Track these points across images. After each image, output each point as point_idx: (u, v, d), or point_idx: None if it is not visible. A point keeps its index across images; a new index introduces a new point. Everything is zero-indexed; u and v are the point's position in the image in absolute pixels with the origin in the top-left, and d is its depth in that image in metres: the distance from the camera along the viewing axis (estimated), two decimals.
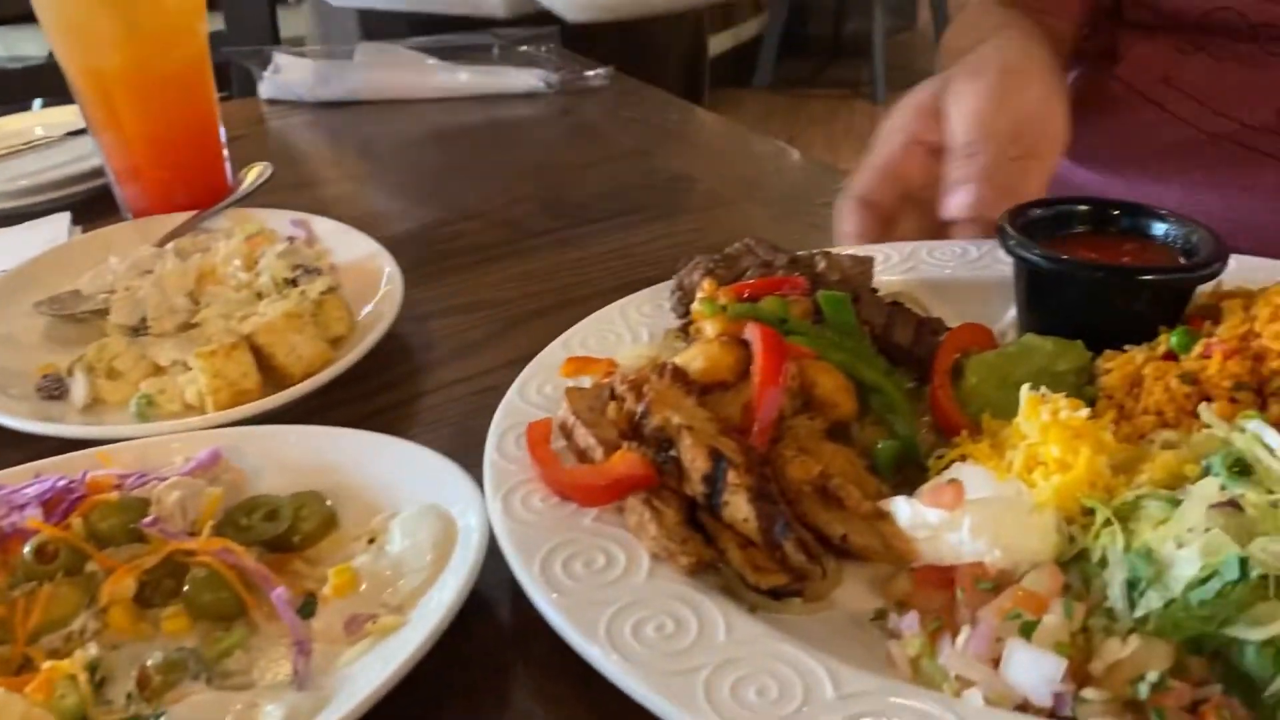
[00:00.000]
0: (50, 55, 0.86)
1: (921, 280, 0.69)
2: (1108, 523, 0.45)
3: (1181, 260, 0.61)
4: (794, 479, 0.50)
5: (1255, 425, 0.47)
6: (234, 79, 1.35)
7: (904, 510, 0.49)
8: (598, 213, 0.96)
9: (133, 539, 0.52)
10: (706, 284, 0.62)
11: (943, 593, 0.46)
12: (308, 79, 1.24)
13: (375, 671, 0.44)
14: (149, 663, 0.47)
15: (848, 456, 0.54)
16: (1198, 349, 0.54)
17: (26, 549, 0.50)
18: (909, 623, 0.45)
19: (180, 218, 0.89)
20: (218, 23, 1.33)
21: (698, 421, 0.50)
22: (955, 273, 0.69)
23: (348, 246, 0.83)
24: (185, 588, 0.50)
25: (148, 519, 0.52)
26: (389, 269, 0.77)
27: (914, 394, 0.59)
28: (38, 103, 1.79)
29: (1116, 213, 0.64)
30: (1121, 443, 0.51)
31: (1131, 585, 0.43)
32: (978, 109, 0.69)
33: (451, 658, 0.47)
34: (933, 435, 0.57)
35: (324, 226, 0.86)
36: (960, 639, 0.43)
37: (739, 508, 0.47)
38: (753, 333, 0.56)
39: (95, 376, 0.67)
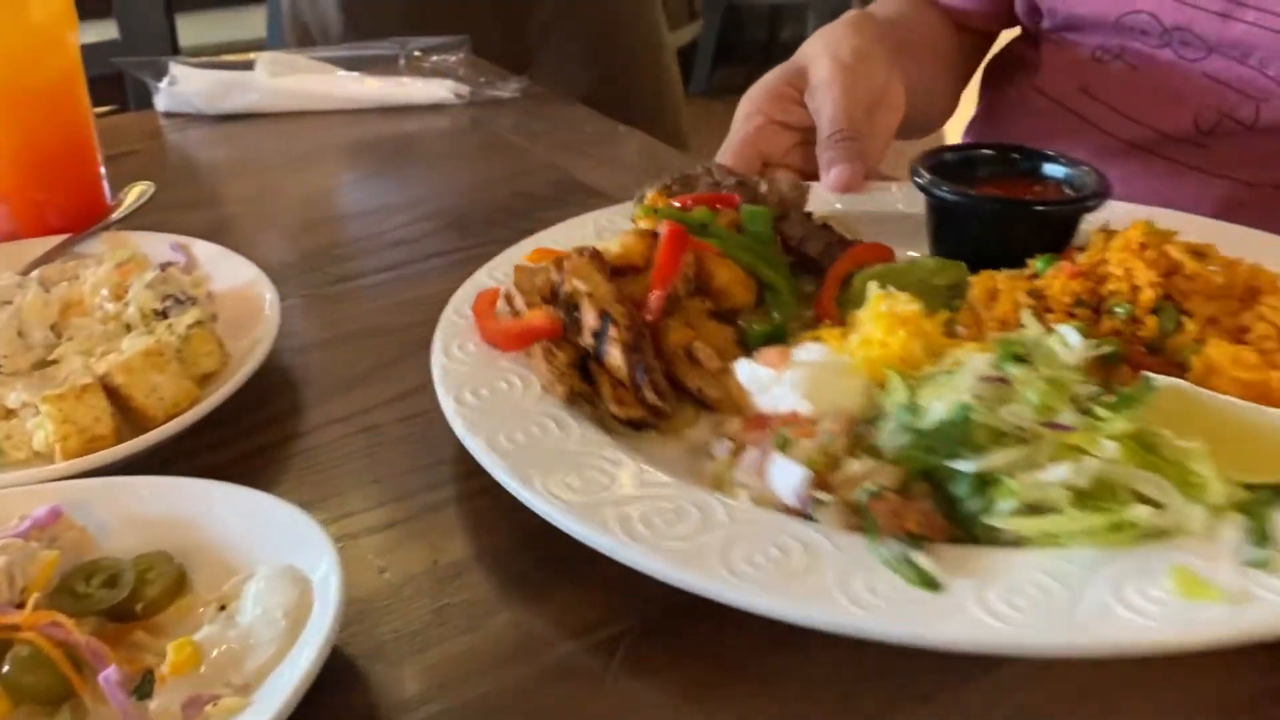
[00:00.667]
0: None
1: (862, 213, 0.79)
2: (898, 387, 0.55)
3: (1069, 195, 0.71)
4: (671, 343, 0.63)
5: (1064, 329, 0.56)
6: (129, 91, 1.28)
7: (744, 369, 0.61)
8: (505, 231, 0.92)
9: None
10: (651, 194, 0.75)
11: (761, 433, 0.56)
12: (205, 90, 1.18)
13: None
14: None
15: (725, 334, 0.66)
16: (1052, 271, 0.62)
17: None
18: (720, 448, 0.57)
19: (51, 242, 0.83)
20: (111, 31, 1.27)
21: (599, 291, 0.63)
22: (883, 208, 0.79)
23: (229, 272, 0.77)
24: (5, 668, 0.45)
25: None
26: (269, 297, 0.72)
27: (810, 297, 0.70)
28: None
29: (1016, 156, 0.75)
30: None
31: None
32: (839, 98, 0.82)
33: None
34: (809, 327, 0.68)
35: (205, 250, 0.80)
36: (746, 456, 0.54)
37: (614, 357, 0.60)
38: (662, 227, 0.67)
39: None
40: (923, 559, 0.46)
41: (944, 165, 0.73)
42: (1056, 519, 0.47)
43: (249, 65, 1.21)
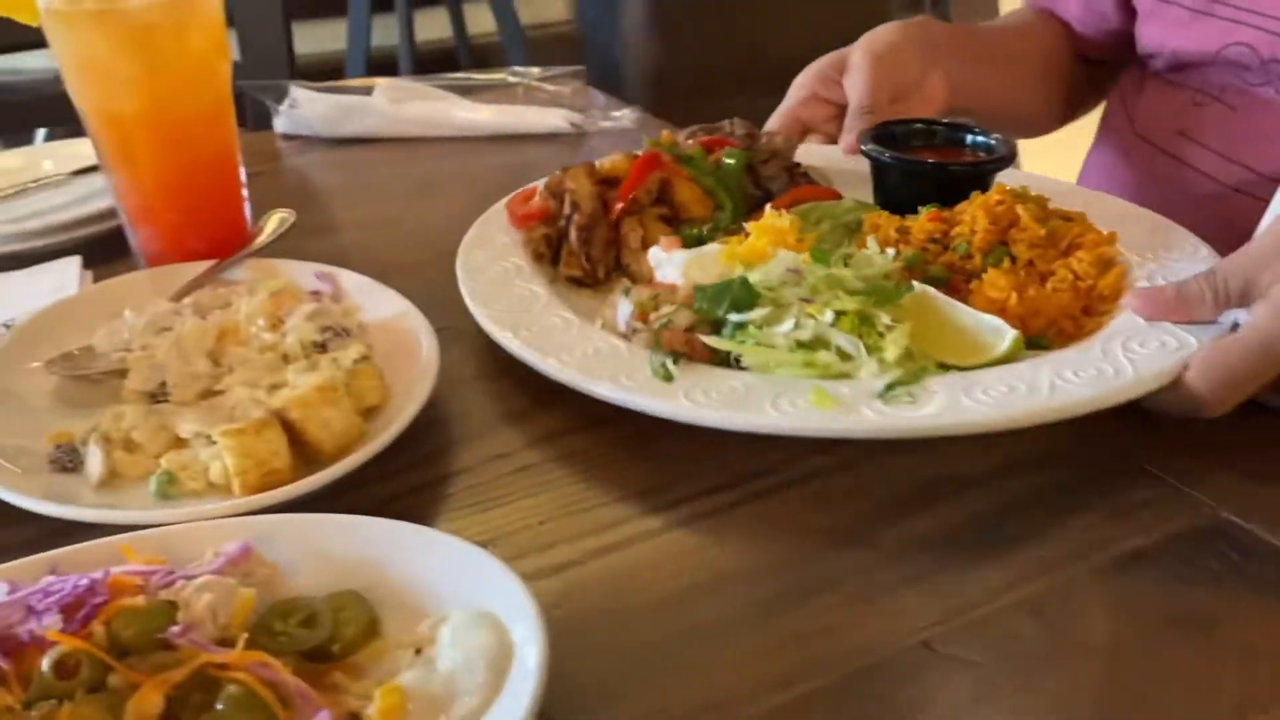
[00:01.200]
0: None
1: (850, 170, 0.94)
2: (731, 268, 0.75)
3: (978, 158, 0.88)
4: (621, 233, 0.85)
5: (873, 246, 0.77)
6: (249, 111, 1.31)
7: (653, 252, 0.81)
8: None
9: (159, 647, 0.47)
10: (664, 134, 0.94)
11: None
12: (325, 115, 1.20)
13: None
14: None
15: (667, 235, 0.83)
16: (923, 215, 0.79)
17: (45, 662, 0.46)
18: (619, 307, 0.75)
19: (198, 267, 0.85)
20: (234, 53, 1.29)
21: (581, 189, 0.86)
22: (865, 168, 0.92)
23: (376, 303, 0.79)
24: (219, 706, 0.46)
25: (176, 627, 0.48)
26: (424, 331, 0.73)
27: None
28: (41, 133, 1.75)
29: (941, 128, 0.92)
30: None
31: None
32: (866, 82, 0.96)
33: None
34: None
35: (350, 280, 0.82)
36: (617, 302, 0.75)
37: (571, 233, 0.84)
38: (644, 151, 0.89)
39: (112, 449, 0.62)
40: (671, 365, 0.67)
41: (888, 135, 0.89)
42: (770, 353, 0.68)
43: (368, 91, 1.23)
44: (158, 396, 0.68)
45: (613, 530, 0.61)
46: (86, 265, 0.93)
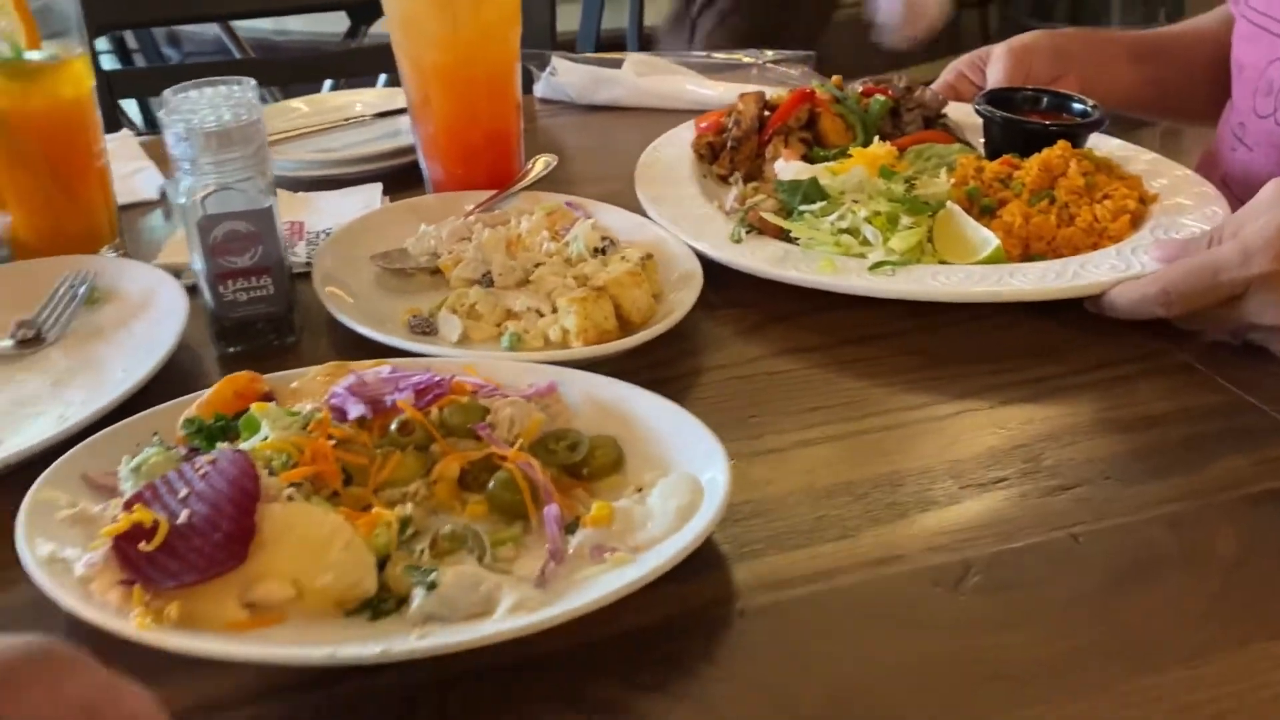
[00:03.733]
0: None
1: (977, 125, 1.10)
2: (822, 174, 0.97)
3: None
4: (767, 148, 1.06)
5: (941, 177, 0.98)
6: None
7: (778, 162, 1.02)
8: None
9: (468, 435, 0.65)
10: (834, 78, 1.14)
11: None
12: (579, 83, 1.37)
13: (600, 589, 0.55)
14: (444, 530, 0.59)
15: (800, 154, 1.04)
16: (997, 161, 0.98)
17: (395, 422, 0.64)
18: (729, 193, 1.01)
19: (479, 195, 1.03)
20: None
21: (747, 112, 1.07)
22: None
23: (630, 229, 0.95)
24: (491, 484, 0.62)
25: (483, 425, 0.65)
26: (675, 243, 0.90)
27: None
28: (327, 84, 2.01)
29: (1049, 96, 1.07)
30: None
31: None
32: (1000, 71, 1.14)
33: (670, 600, 0.57)
34: None
35: (597, 209, 0.98)
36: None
37: (728, 142, 1.06)
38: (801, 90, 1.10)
39: (461, 317, 0.81)
40: (744, 233, 0.91)
41: (1003, 98, 1.06)
42: (815, 233, 0.90)
43: (618, 64, 1.39)
44: (484, 283, 0.85)
45: (814, 429, 0.74)
46: (385, 191, 1.12)
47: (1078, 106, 1.05)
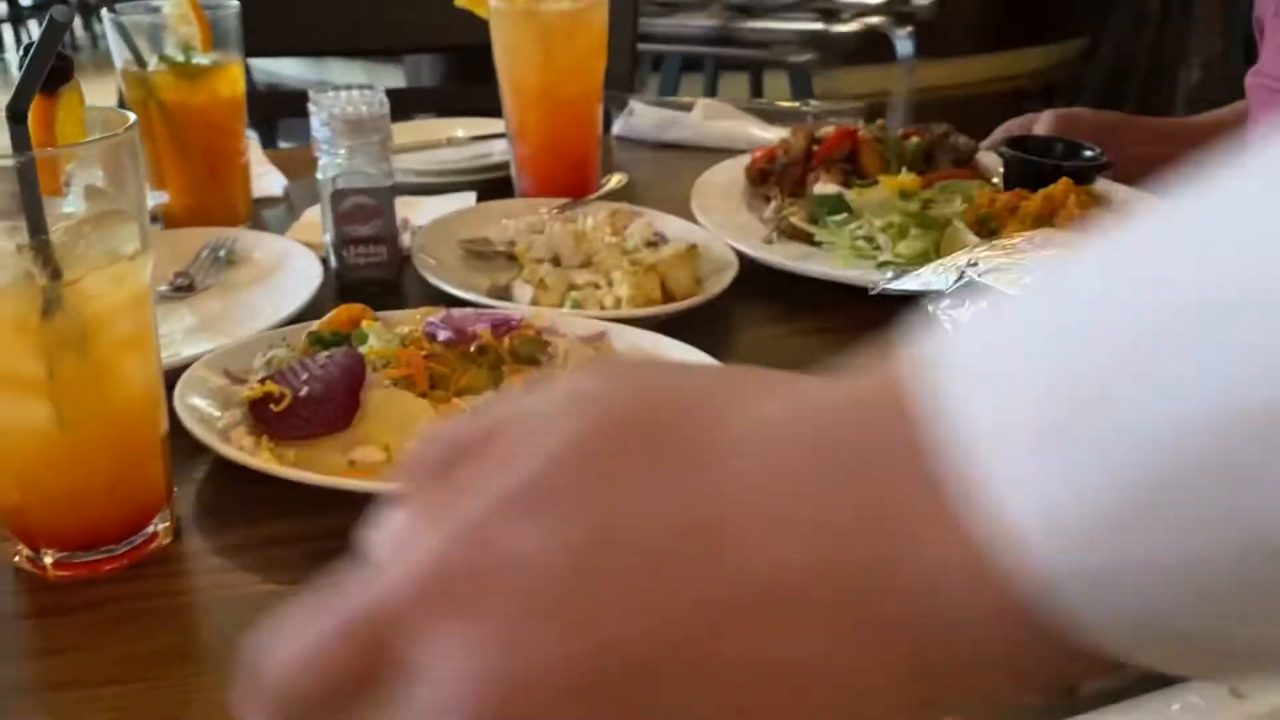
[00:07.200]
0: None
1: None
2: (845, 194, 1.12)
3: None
4: (810, 175, 1.19)
5: (954, 206, 1.09)
6: None
7: (818, 185, 1.16)
8: None
9: (531, 363, 0.80)
10: (879, 121, 1.30)
11: None
12: (653, 123, 1.54)
13: None
14: None
15: (839, 181, 1.17)
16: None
17: (473, 346, 0.79)
18: (768, 207, 1.15)
19: (558, 201, 1.19)
20: None
21: (796, 143, 1.23)
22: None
23: (680, 232, 1.09)
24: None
25: (544, 356, 0.79)
26: (716, 242, 1.06)
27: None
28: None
29: (1063, 144, 1.21)
30: None
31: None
32: (1047, 130, 1.29)
33: None
34: None
35: (654, 215, 1.13)
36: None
37: (776, 168, 1.21)
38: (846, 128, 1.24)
39: (533, 286, 0.97)
40: (775, 237, 1.08)
41: (1022, 144, 1.20)
42: (837, 238, 1.05)
43: (688, 107, 1.56)
44: (552, 263, 1.01)
45: None
46: (479, 200, 1.29)
47: (1087, 153, 1.19)
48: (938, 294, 0.63)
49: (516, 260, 1.05)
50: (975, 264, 0.59)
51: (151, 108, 1.11)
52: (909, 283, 0.65)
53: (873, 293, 0.70)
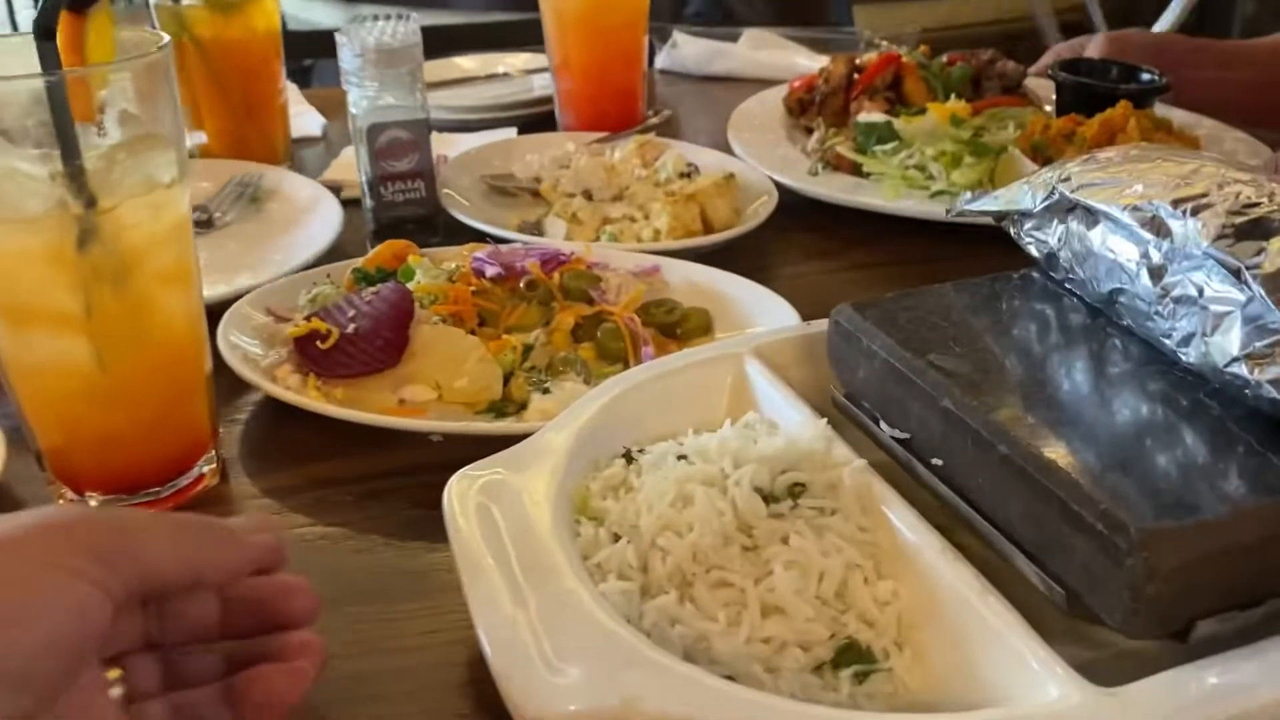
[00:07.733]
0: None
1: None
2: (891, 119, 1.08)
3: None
4: (852, 105, 1.15)
5: (1009, 130, 1.07)
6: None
7: (861, 114, 1.11)
8: None
9: (583, 298, 0.76)
10: (922, 47, 1.24)
11: None
12: (697, 55, 1.49)
13: None
14: (559, 355, 0.71)
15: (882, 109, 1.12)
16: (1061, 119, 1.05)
17: (523, 281, 0.76)
18: (812, 136, 1.15)
19: (598, 135, 1.15)
20: None
21: (837, 71, 1.18)
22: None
23: (716, 164, 1.05)
24: (599, 334, 0.74)
25: (596, 290, 0.76)
26: (753, 173, 1.01)
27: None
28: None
29: (1118, 66, 1.15)
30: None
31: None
32: (1098, 52, 1.26)
33: None
34: None
35: (688, 147, 1.09)
36: None
37: (816, 97, 1.18)
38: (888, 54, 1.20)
39: (566, 221, 0.94)
40: (820, 169, 1.05)
41: (1075, 67, 1.15)
42: (885, 168, 1.01)
43: (734, 38, 1.50)
44: (584, 196, 0.97)
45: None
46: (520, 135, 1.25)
47: (1145, 76, 1.12)
48: (1022, 214, 0.58)
49: (541, 196, 1.02)
50: (1068, 178, 0.54)
51: (186, 43, 1.08)
52: (989, 203, 0.60)
53: (949, 214, 0.66)
